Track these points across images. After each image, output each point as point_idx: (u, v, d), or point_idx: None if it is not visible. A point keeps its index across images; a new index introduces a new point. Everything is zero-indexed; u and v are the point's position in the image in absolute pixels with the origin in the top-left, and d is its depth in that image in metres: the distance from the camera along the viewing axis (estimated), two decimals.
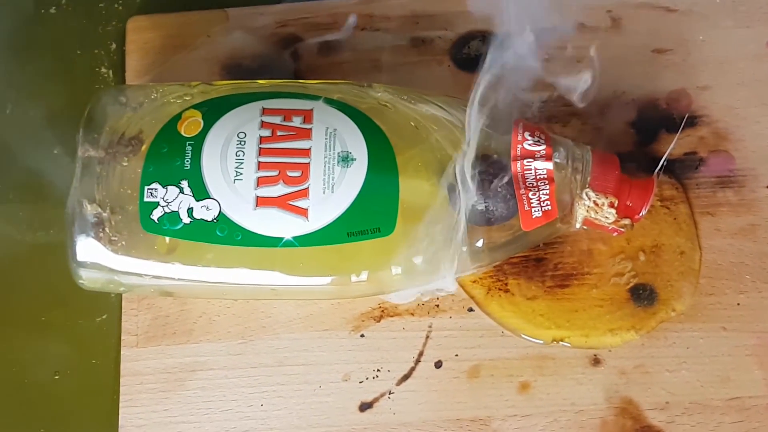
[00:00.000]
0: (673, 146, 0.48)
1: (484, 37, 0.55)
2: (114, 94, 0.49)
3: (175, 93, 0.49)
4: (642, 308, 0.49)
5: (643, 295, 0.49)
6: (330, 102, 0.48)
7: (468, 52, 0.55)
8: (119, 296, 0.51)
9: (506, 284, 0.50)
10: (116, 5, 0.59)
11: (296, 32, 0.56)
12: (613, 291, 0.49)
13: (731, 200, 0.51)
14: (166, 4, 0.59)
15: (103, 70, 0.58)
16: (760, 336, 0.48)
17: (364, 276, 0.46)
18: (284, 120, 0.47)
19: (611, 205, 0.45)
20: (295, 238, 0.45)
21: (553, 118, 0.54)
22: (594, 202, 0.45)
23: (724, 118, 0.53)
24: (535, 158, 0.45)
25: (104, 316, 0.52)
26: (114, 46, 0.58)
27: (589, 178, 0.46)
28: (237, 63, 0.56)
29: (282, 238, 0.45)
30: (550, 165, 0.45)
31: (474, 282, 0.50)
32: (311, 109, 0.47)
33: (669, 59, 0.55)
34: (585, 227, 0.47)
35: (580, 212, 0.46)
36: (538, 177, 0.45)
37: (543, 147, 0.45)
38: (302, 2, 0.58)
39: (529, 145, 0.45)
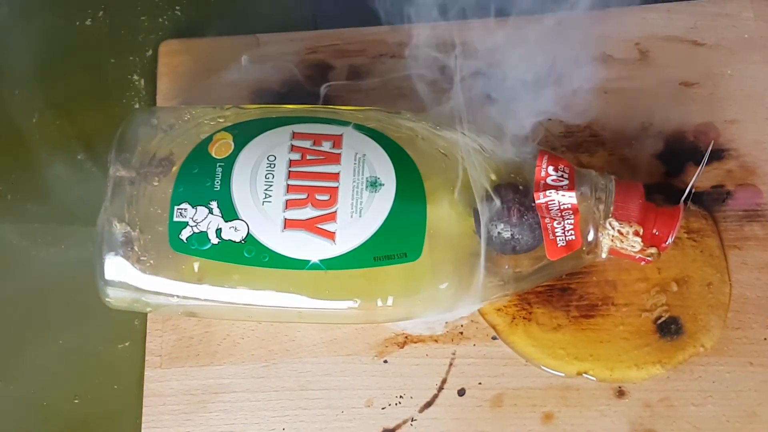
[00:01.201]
0: (697, 176, 0.48)
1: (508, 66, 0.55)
2: (146, 115, 0.50)
3: (207, 116, 0.50)
4: (668, 342, 0.48)
5: (669, 328, 0.49)
6: (359, 128, 0.48)
7: None
8: (143, 323, 0.51)
9: (531, 313, 0.50)
10: (149, 26, 0.60)
11: (326, 59, 0.57)
12: (639, 323, 0.49)
13: (758, 234, 0.51)
14: (198, 28, 0.59)
15: (135, 81, 0.59)
16: None
17: (389, 301, 0.46)
18: (314, 144, 0.47)
19: (636, 234, 0.45)
20: (322, 261, 0.45)
21: (580, 148, 0.54)
22: (618, 231, 0.45)
23: (752, 152, 0.53)
24: (558, 190, 0.45)
25: (127, 344, 0.52)
26: (142, 72, 0.59)
27: (612, 208, 0.45)
28: (266, 88, 0.56)
29: (309, 261, 0.45)
30: (573, 197, 0.45)
31: (498, 310, 0.50)
32: (341, 135, 0.48)
33: (696, 92, 0.55)
34: (612, 257, 0.47)
35: (605, 242, 0.46)
36: (562, 208, 0.45)
37: (566, 181, 0.45)
38: (333, 29, 0.58)
39: (553, 180, 0.45)
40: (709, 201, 0.52)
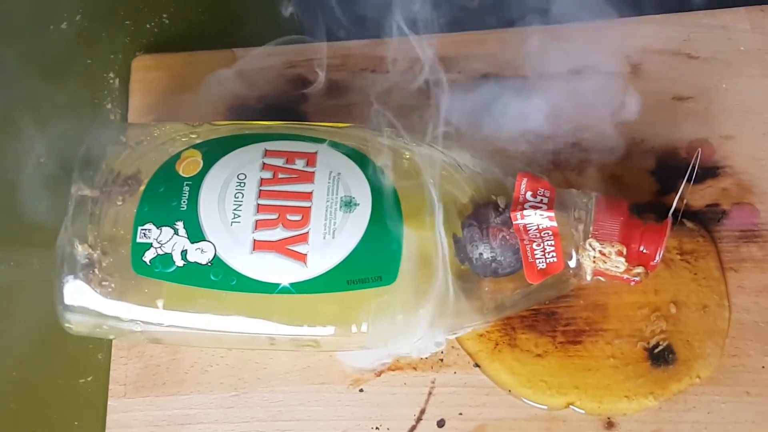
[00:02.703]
0: (683, 190, 0.46)
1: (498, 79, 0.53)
2: (113, 132, 0.48)
3: (177, 132, 0.48)
4: (661, 371, 0.46)
5: (663, 356, 0.46)
6: (335, 145, 0.46)
7: None
8: (107, 357, 0.49)
9: (515, 339, 0.47)
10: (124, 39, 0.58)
11: (304, 73, 0.55)
12: (629, 350, 0.46)
13: (756, 255, 0.48)
14: (173, 42, 0.57)
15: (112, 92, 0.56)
16: None
17: (364, 327, 0.44)
18: (287, 162, 0.45)
19: (619, 254, 0.43)
20: (292, 284, 0.43)
21: (568, 166, 0.52)
22: (600, 251, 0.43)
23: (749, 169, 0.51)
24: (536, 210, 0.43)
25: (89, 378, 0.49)
26: (117, 82, 0.57)
27: (592, 227, 0.43)
28: (242, 103, 0.54)
29: (278, 285, 0.43)
30: (552, 217, 0.43)
31: (480, 336, 0.47)
32: (315, 152, 0.46)
33: (690, 107, 0.53)
34: (600, 278, 0.45)
35: (587, 263, 0.43)
36: (541, 229, 0.43)
37: (545, 201, 0.43)
38: (311, 44, 0.56)
39: (531, 200, 0.43)
40: (704, 220, 0.50)
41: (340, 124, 0.49)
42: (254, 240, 0.43)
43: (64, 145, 0.52)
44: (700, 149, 0.49)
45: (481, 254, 0.44)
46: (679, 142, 0.52)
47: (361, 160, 0.46)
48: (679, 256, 0.49)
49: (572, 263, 0.44)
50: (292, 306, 0.44)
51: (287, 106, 0.54)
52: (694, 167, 0.48)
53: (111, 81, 0.57)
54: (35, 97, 0.56)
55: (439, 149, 0.47)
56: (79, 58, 0.57)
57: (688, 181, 0.49)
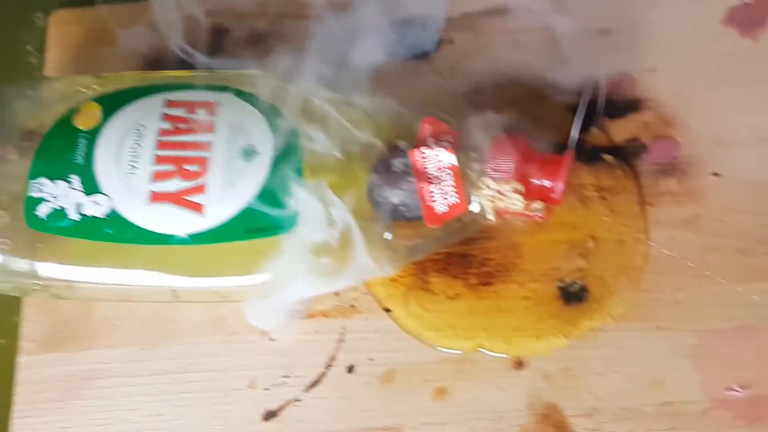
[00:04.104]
0: (577, 124, 0.45)
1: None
2: (19, 87, 0.47)
3: (80, 85, 0.47)
4: (573, 308, 0.45)
5: (575, 294, 0.45)
6: (240, 94, 0.46)
7: None
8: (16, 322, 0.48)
9: (427, 283, 0.46)
10: None
11: (223, 23, 0.54)
12: (542, 289, 0.45)
13: (673, 189, 0.47)
14: None
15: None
16: (699, 335, 0.43)
17: (266, 276, 0.43)
18: (187, 112, 0.45)
19: (516, 191, 0.41)
20: (189, 235, 0.42)
21: (487, 107, 0.50)
22: (497, 190, 0.42)
23: (671, 102, 0.49)
24: (434, 150, 0.42)
25: (2, 341, 0.49)
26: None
27: (487, 166, 0.42)
28: (160, 56, 0.53)
29: (173, 236, 0.42)
30: (450, 156, 0.42)
31: (393, 281, 0.46)
32: (217, 101, 0.45)
33: (614, 40, 0.51)
34: (507, 217, 0.44)
35: (485, 203, 0.42)
36: (440, 168, 0.42)
37: (445, 143, 0.42)
38: None
39: (431, 141, 0.42)
40: (625, 155, 0.48)
41: (249, 72, 0.48)
42: (151, 191, 0.43)
43: None
44: (599, 81, 0.47)
45: (386, 199, 0.43)
46: (602, 77, 0.50)
47: (264, 108, 0.45)
48: (596, 192, 0.47)
49: (475, 204, 0.43)
50: (190, 257, 0.43)
51: (205, 57, 0.53)
52: (591, 101, 0.47)
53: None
54: None
55: (347, 96, 0.46)
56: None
57: (613, 118, 0.48)
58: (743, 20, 0.50)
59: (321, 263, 0.43)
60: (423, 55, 0.52)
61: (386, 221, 0.44)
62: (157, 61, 0.54)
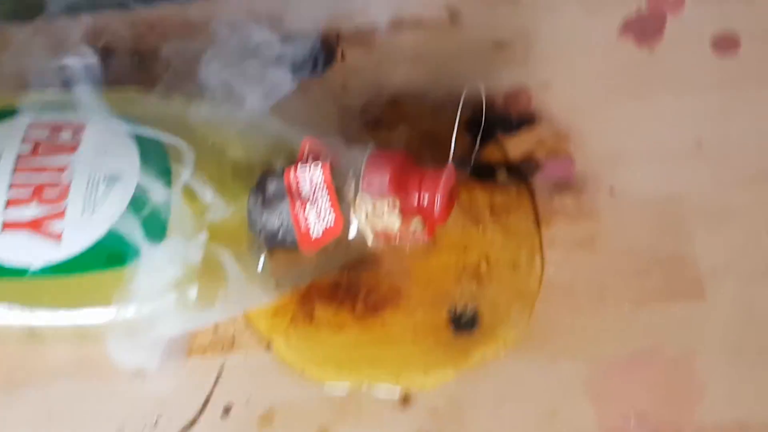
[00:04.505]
0: (454, 139, 0.42)
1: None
2: None
3: None
4: (464, 338, 0.42)
5: (465, 322, 0.42)
6: (109, 114, 0.42)
7: None
8: None
9: (312, 313, 0.44)
10: None
11: (109, 44, 0.51)
12: (432, 318, 0.43)
13: (568, 207, 0.45)
14: None
15: None
16: (594, 364, 0.41)
17: (129, 309, 0.40)
18: (51, 135, 0.42)
19: (392, 208, 0.39)
20: (45, 266, 0.39)
21: (379, 123, 0.48)
22: (373, 207, 0.39)
23: (566, 116, 0.47)
24: (308, 167, 0.39)
25: None
26: None
27: (362, 182, 0.39)
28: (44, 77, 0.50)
29: (28, 269, 0.39)
30: (325, 172, 0.39)
31: (275, 312, 0.44)
32: (84, 123, 0.42)
33: (509, 54, 0.49)
34: (390, 240, 0.41)
35: (362, 223, 0.40)
36: (314, 186, 0.39)
37: (321, 161, 0.39)
38: (116, 11, 0.52)
39: (306, 163, 0.40)
40: (521, 172, 0.46)
41: (127, 94, 0.46)
42: (3, 221, 0.39)
43: None
44: (465, 92, 0.45)
45: (263, 224, 0.41)
46: (497, 91, 0.48)
47: (132, 127, 0.42)
48: (489, 211, 0.45)
49: (354, 226, 0.41)
50: (46, 290, 0.40)
51: (89, 79, 0.50)
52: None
53: None
54: None
55: (230, 117, 0.43)
56: None
57: (509, 133, 0.46)
58: (639, 30, 0.49)
59: (190, 294, 0.40)
60: (314, 73, 0.50)
61: (265, 247, 0.41)
62: (42, 82, 0.50)
